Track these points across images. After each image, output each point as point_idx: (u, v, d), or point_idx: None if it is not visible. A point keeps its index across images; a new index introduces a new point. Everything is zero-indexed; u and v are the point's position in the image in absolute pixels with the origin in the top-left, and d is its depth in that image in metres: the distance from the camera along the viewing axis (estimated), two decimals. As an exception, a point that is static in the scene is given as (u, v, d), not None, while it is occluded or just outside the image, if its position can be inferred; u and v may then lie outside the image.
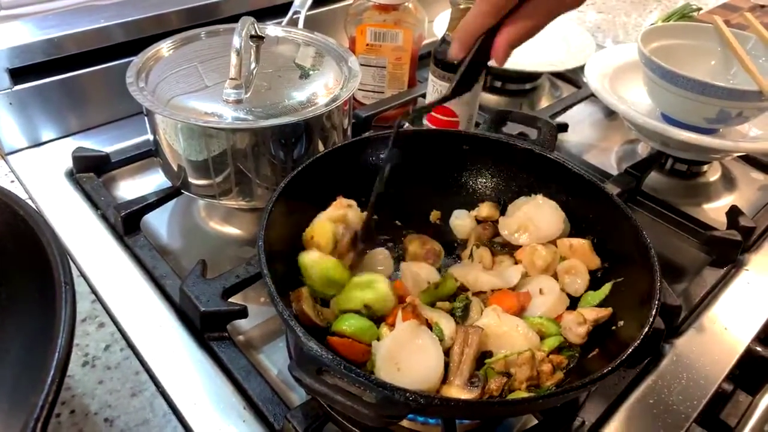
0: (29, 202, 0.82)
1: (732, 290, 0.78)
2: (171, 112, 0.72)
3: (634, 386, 0.66)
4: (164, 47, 0.82)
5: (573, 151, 1.06)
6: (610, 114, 1.14)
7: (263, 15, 1.07)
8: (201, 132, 0.72)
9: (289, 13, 0.94)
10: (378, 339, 0.58)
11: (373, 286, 0.61)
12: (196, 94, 0.75)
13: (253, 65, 0.80)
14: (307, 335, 0.49)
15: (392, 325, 0.59)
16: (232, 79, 0.73)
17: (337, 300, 0.62)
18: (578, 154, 1.05)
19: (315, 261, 0.63)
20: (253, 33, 0.81)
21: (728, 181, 1.01)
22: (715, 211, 0.94)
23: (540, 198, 0.69)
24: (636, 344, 0.51)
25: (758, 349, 0.73)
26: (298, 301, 0.58)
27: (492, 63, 0.58)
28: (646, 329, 0.52)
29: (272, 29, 0.89)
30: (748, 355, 0.72)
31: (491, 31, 0.54)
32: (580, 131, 1.11)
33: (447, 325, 0.60)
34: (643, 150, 1.05)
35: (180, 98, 0.74)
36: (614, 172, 0.96)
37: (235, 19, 0.78)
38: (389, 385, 0.45)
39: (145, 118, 0.78)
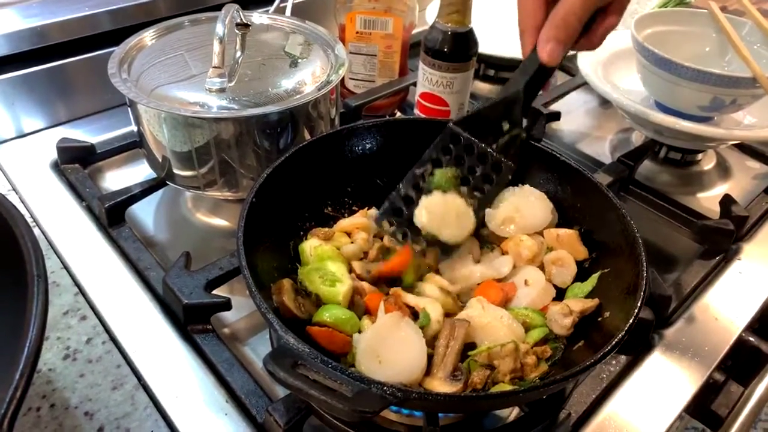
0: (13, 193, 0.81)
1: (724, 280, 0.77)
2: (153, 102, 0.71)
3: (623, 377, 0.65)
4: (147, 36, 0.81)
5: (567, 139, 1.04)
6: (605, 102, 1.13)
7: (252, 3, 1.06)
8: (184, 122, 0.71)
9: (276, 1, 0.93)
10: (360, 331, 0.57)
11: (334, 285, 0.60)
12: (182, 83, 0.74)
13: (238, 53, 0.79)
14: (284, 327, 0.48)
15: (374, 316, 0.58)
16: (215, 67, 0.72)
17: (303, 269, 0.62)
18: (572, 143, 1.03)
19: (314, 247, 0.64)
20: (238, 21, 0.80)
21: (723, 170, 0.99)
22: (709, 200, 0.93)
23: (527, 188, 0.68)
24: (620, 336, 0.50)
25: (751, 339, 0.72)
26: (279, 293, 0.57)
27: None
28: (631, 321, 0.51)
29: (258, 17, 0.87)
30: (741, 346, 0.71)
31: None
32: (574, 120, 1.09)
33: (433, 310, 0.59)
34: (637, 139, 1.03)
35: (164, 88, 0.73)
36: (608, 161, 0.95)
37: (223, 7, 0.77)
38: (366, 378, 0.44)
39: (128, 108, 0.76)
